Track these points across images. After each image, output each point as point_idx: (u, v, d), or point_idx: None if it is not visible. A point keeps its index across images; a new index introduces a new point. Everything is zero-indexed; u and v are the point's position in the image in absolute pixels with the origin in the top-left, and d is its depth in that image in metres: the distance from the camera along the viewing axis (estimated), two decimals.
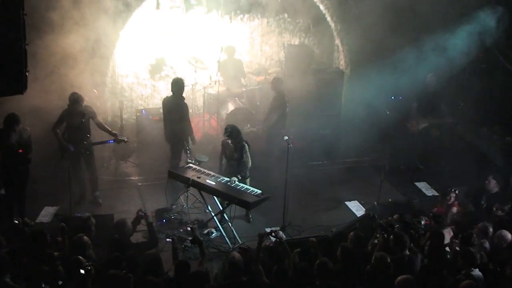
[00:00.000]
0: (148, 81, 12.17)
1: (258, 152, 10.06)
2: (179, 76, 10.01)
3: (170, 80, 10.04)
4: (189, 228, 7.31)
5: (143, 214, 7.57)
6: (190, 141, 9.62)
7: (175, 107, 9.45)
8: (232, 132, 8.81)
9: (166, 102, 9.61)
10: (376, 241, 7.29)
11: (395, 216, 7.65)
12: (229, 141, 8.85)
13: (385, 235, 7.04)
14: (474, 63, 11.56)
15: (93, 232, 7.13)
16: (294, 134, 11.62)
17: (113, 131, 9.55)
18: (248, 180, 8.99)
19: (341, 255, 6.72)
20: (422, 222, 7.70)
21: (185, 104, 9.65)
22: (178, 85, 9.49)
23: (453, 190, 8.78)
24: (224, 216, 8.94)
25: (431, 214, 8.25)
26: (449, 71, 11.20)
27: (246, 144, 8.90)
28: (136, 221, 7.56)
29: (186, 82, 11.96)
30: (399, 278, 6.05)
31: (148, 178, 10.42)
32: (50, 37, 9.63)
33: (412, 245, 7.02)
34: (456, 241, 7.32)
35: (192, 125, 10.78)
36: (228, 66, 11.90)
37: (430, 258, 6.89)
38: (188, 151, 9.13)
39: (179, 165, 9.52)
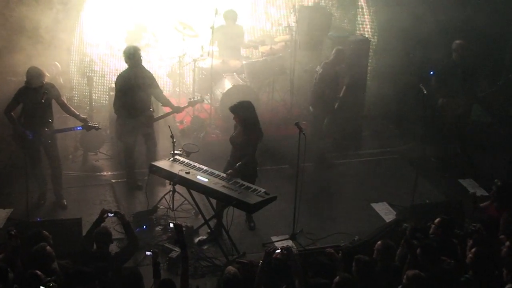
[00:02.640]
0: None
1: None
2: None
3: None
4: (172, 225, 7.28)
5: (108, 215, 7.59)
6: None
7: (139, 80, 9.49)
8: (236, 107, 8.75)
9: (124, 78, 9.60)
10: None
11: (436, 221, 7.64)
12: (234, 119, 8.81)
13: (411, 248, 7.06)
14: None
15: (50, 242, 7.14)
16: (306, 119, 11.65)
17: (81, 115, 9.53)
18: (254, 179, 8.95)
19: (356, 271, 6.72)
20: (470, 228, 7.66)
21: (149, 72, 9.76)
22: (132, 54, 9.47)
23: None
24: (219, 222, 8.93)
25: (473, 220, 8.24)
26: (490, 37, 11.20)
27: (258, 132, 8.82)
28: (98, 222, 7.58)
29: (172, 54, 12.04)
30: None
31: (124, 173, 10.42)
32: None
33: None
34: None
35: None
36: (226, 33, 11.85)
37: (475, 271, 6.90)
38: (173, 139, 9.10)
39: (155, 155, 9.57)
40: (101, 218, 7.60)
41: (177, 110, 10.09)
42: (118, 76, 9.76)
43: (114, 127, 9.95)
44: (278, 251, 6.86)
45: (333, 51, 10.73)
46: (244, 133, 8.75)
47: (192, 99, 10.39)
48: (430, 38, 11.48)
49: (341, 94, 10.92)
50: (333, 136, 10.97)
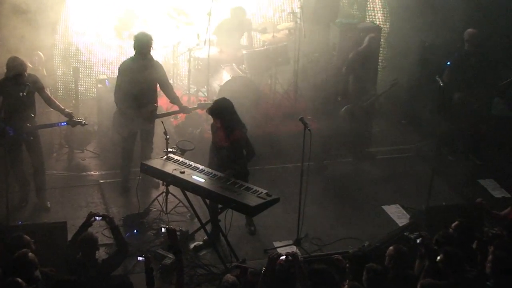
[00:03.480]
0: (113, 40, 12.13)
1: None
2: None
3: None
4: (164, 229, 7.28)
5: (95, 219, 7.60)
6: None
7: (144, 70, 9.49)
8: (217, 110, 8.72)
9: (129, 66, 9.60)
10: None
11: (453, 225, 7.63)
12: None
13: (431, 254, 7.05)
14: None
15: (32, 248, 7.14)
16: (312, 114, 11.64)
17: (66, 110, 9.51)
18: (247, 178, 8.95)
19: (367, 280, 6.69)
20: (491, 232, 7.66)
21: (159, 63, 9.77)
22: (145, 42, 9.47)
23: None
24: (217, 226, 8.92)
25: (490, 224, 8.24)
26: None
27: (242, 128, 8.81)
28: (85, 226, 7.58)
29: (166, 43, 12.03)
30: None
31: (113, 173, 10.43)
32: None
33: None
34: None
35: None
36: (229, 27, 11.83)
37: (496, 279, 6.89)
38: (167, 136, 9.10)
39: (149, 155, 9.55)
40: (88, 222, 7.58)
41: (185, 110, 10.09)
42: (122, 63, 9.75)
43: (112, 120, 9.91)
44: (283, 257, 6.84)
45: (366, 39, 10.80)
46: (227, 134, 8.70)
47: (203, 102, 10.38)
48: (447, 24, 11.45)
49: (380, 92, 10.89)
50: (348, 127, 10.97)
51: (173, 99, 9.96)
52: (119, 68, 9.71)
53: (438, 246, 7.20)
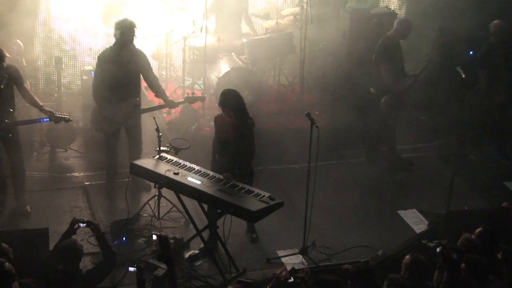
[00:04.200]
0: (100, 28, 12.13)
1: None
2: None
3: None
4: (154, 237, 7.28)
5: (79, 226, 7.60)
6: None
7: (125, 60, 9.47)
8: (229, 100, 8.74)
9: (108, 56, 9.59)
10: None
11: (476, 231, 7.62)
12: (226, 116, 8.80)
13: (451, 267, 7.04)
14: None
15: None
16: (320, 109, 11.62)
17: (46, 108, 9.45)
18: (252, 177, 8.96)
19: None
20: None
21: (142, 53, 9.75)
22: (123, 28, 9.45)
23: None
24: (215, 233, 8.91)
25: None
26: None
27: (249, 122, 8.84)
28: (68, 234, 7.57)
29: (158, 30, 12.02)
30: None
31: (100, 174, 10.43)
32: None
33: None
34: None
35: (168, 93, 10.82)
36: (226, 5, 11.82)
37: None
38: (159, 133, 9.09)
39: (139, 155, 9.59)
40: (72, 229, 7.59)
41: (171, 104, 10.09)
42: (102, 52, 9.74)
43: (90, 116, 9.93)
44: (291, 280, 6.83)
45: (395, 22, 10.78)
46: (237, 126, 8.74)
47: (191, 95, 10.36)
48: (469, 10, 11.44)
49: (418, 72, 10.88)
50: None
51: (158, 92, 9.94)
52: (97, 58, 9.70)
53: (460, 255, 7.19)
